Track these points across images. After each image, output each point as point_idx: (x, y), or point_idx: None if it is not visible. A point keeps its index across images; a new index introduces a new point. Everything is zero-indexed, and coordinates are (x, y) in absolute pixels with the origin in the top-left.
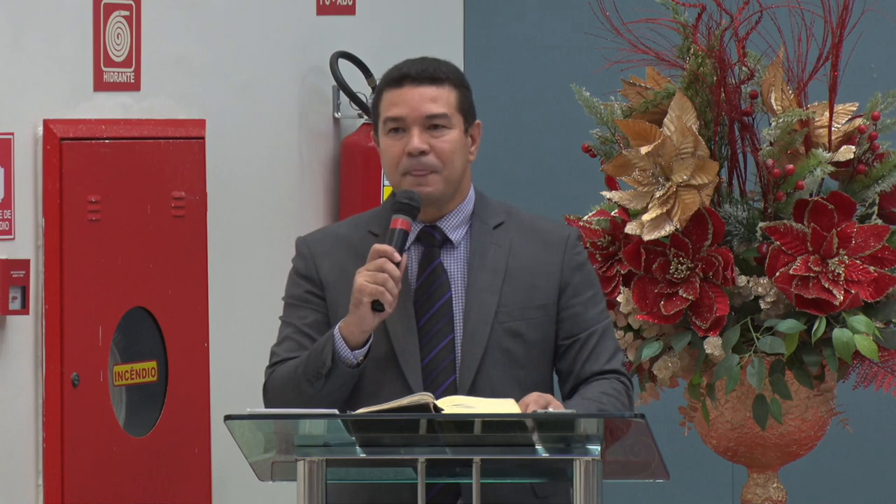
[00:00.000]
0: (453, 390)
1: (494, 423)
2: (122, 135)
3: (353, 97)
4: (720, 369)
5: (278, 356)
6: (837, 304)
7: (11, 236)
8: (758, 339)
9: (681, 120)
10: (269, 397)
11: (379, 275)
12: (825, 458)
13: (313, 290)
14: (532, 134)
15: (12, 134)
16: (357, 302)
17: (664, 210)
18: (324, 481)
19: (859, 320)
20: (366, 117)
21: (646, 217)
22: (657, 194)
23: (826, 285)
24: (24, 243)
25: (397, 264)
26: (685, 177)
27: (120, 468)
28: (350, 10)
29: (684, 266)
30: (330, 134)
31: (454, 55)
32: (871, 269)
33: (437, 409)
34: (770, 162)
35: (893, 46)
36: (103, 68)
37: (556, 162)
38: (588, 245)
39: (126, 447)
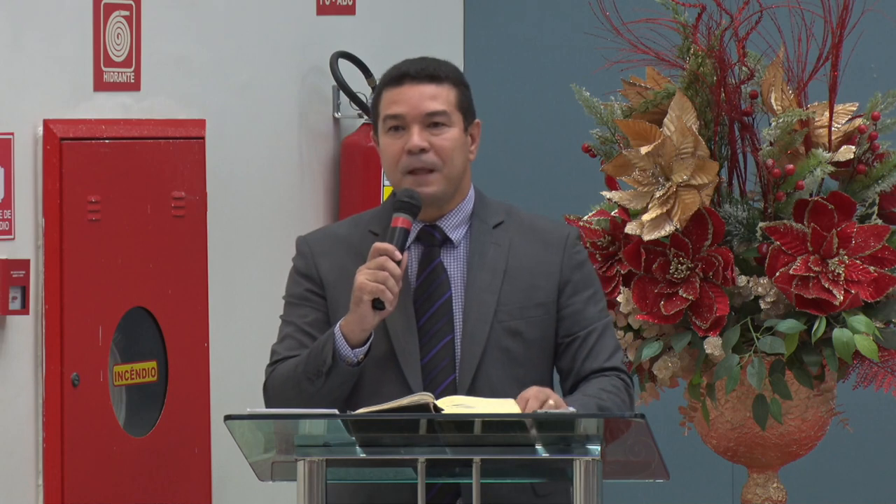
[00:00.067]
0: (453, 389)
1: (494, 423)
2: (122, 135)
3: (353, 97)
4: (720, 369)
5: (279, 354)
6: (837, 304)
7: (11, 236)
8: (758, 339)
9: (681, 120)
10: (270, 395)
11: (380, 273)
12: (825, 458)
13: (314, 289)
14: (532, 134)
15: (12, 134)
16: (358, 300)
17: (664, 210)
18: (324, 481)
19: (859, 320)
20: (366, 117)
21: (646, 217)
22: (657, 194)
23: (826, 285)
24: (24, 243)
25: (398, 263)
26: (685, 177)
27: (120, 468)
28: (350, 10)
29: (684, 266)
30: (330, 134)
31: (454, 55)
32: (871, 269)
33: (437, 409)
34: (770, 162)
35: (893, 46)
36: (103, 68)
37: (556, 162)
38: (588, 245)
39: (126, 447)
